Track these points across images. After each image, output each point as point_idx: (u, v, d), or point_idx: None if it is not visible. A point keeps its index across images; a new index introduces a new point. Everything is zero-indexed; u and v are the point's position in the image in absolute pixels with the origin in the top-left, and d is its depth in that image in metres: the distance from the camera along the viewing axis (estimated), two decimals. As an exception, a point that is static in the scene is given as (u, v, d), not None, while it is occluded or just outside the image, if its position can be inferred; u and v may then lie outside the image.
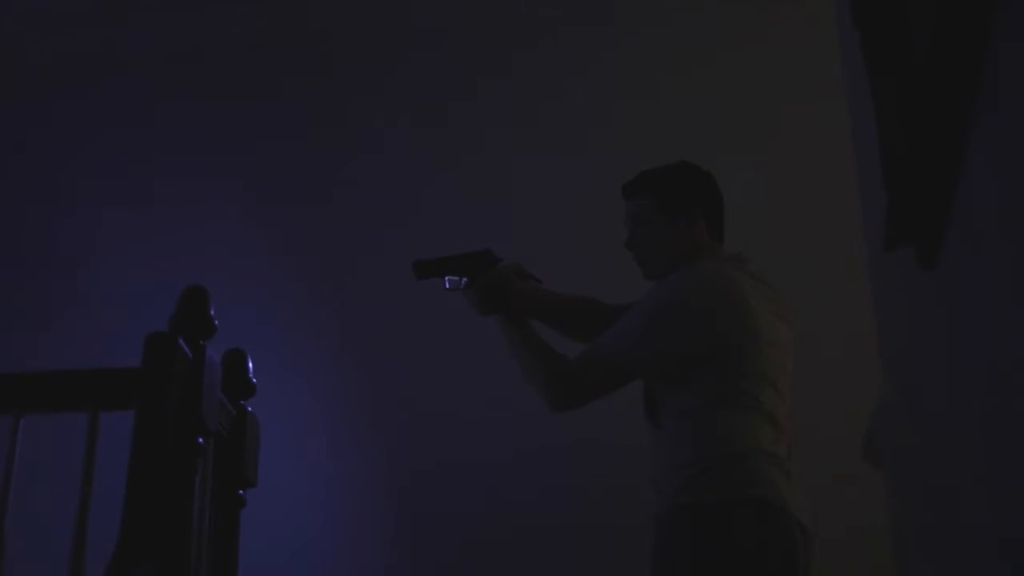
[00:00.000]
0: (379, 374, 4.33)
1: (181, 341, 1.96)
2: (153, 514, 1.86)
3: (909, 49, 1.38)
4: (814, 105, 4.04)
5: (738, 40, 4.52)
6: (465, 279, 2.55)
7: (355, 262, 4.53)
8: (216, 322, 2.07)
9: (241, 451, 2.28)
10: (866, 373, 2.52)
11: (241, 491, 2.31)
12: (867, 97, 1.59)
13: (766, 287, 2.44)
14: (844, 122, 2.35)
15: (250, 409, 2.34)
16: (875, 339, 2.09)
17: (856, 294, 2.70)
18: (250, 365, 2.33)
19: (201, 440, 1.98)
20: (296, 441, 4.07)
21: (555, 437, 3.83)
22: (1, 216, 4.70)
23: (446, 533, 4.08)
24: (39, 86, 4.94)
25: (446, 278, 2.57)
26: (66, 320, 4.47)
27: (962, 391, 1.30)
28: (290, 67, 4.89)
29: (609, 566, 3.77)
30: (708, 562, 2.20)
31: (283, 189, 4.71)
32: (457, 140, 4.64)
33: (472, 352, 3.84)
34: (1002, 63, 1.02)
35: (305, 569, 4.06)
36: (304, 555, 4.08)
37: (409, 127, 4.69)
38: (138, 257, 4.59)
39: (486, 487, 4.12)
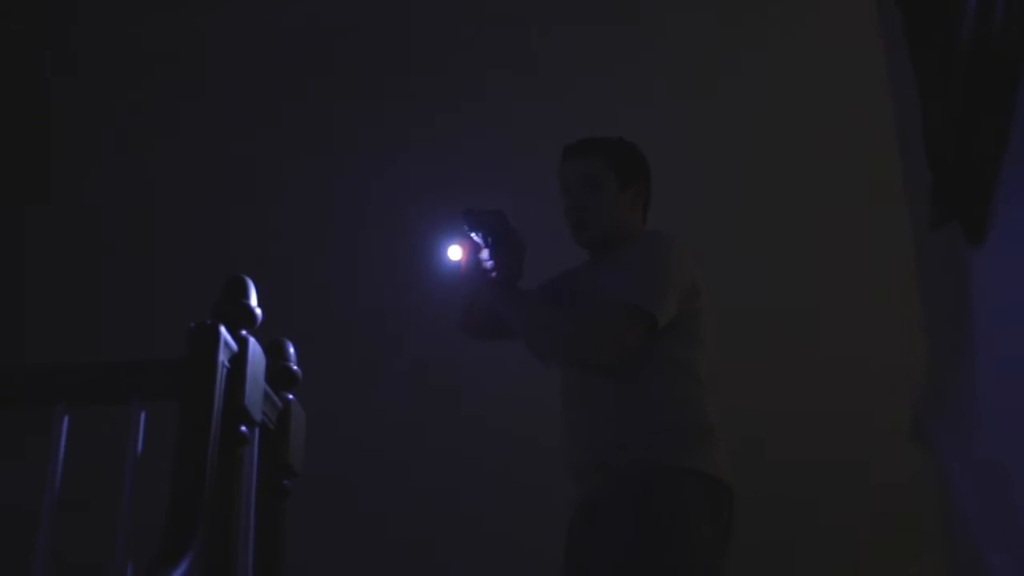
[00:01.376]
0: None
1: (224, 330, 1.96)
2: (198, 504, 1.87)
3: (953, 28, 1.37)
4: (852, 88, 4.02)
5: (770, 32, 4.49)
6: (489, 238, 2.44)
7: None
8: (258, 311, 2.07)
9: (286, 441, 2.29)
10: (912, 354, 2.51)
11: (287, 481, 2.32)
12: (909, 77, 1.58)
13: None
14: (885, 104, 2.32)
15: (291, 397, 2.34)
16: (921, 319, 2.08)
17: (900, 274, 2.68)
18: (292, 353, 2.33)
19: (245, 429, 1.99)
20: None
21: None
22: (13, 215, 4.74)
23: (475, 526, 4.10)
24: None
25: (489, 233, 2.44)
26: (105, 311, 4.51)
27: (1012, 368, 1.29)
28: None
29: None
30: (688, 527, 2.19)
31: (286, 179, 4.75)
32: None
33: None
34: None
35: (351, 557, 4.08)
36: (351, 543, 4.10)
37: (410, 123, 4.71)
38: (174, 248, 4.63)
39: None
